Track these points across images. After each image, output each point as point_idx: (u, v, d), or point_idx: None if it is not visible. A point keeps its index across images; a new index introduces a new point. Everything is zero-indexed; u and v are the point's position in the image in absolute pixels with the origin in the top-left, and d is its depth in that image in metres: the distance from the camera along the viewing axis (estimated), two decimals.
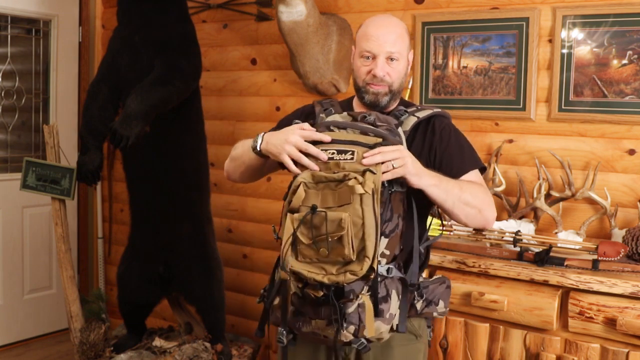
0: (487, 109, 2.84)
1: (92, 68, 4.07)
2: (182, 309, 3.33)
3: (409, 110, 1.77)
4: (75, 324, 3.18)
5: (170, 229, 3.03)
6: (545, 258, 2.26)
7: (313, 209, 1.50)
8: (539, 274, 2.22)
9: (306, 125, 1.66)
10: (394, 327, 1.64)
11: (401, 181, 1.61)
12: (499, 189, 2.64)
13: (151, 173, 2.99)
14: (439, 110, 1.80)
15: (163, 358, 3.02)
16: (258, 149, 1.70)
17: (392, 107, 1.82)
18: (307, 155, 1.61)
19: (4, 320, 3.82)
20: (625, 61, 2.54)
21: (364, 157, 1.54)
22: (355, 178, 1.51)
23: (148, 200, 3.04)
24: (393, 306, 1.62)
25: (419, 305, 1.73)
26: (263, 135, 1.71)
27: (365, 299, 1.56)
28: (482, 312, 2.33)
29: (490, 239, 2.47)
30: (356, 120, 1.69)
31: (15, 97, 3.85)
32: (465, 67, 2.88)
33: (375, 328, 1.58)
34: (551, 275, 2.20)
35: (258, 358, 3.39)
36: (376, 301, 1.57)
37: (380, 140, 1.60)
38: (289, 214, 1.54)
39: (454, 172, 1.73)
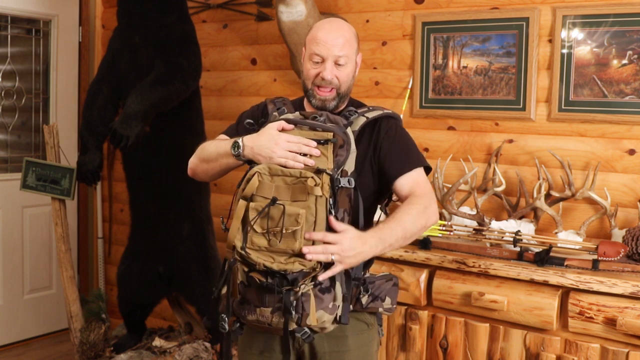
0: (487, 109, 2.84)
1: (92, 68, 4.07)
2: (182, 309, 3.34)
3: (359, 110, 1.82)
4: (75, 324, 3.18)
5: (170, 229, 3.03)
6: (545, 258, 2.26)
7: (273, 200, 1.59)
8: (539, 274, 2.22)
9: (283, 123, 1.72)
10: (338, 319, 1.69)
11: (348, 178, 1.68)
12: (499, 189, 2.64)
13: (151, 173, 2.99)
14: (389, 111, 1.85)
15: (163, 358, 3.03)
16: (241, 155, 1.74)
17: (341, 108, 1.87)
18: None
19: (4, 320, 3.82)
20: (625, 61, 2.54)
21: (303, 248, 1.56)
22: (312, 177, 1.59)
23: (148, 200, 3.04)
24: (337, 297, 1.67)
25: (364, 299, 1.78)
26: (242, 141, 1.74)
27: (309, 288, 1.62)
28: (482, 312, 2.33)
29: (490, 239, 2.47)
30: (307, 119, 1.75)
31: (15, 97, 3.85)
32: (465, 67, 2.88)
33: (318, 317, 1.64)
34: (551, 275, 2.20)
35: None
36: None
37: (330, 135, 1.68)
38: (241, 200, 1.62)
39: (396, 170, 1.77)
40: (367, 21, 3.13)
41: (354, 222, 1.70)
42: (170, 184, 2.99)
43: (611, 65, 2.56)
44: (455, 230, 2.56)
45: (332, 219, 1.60)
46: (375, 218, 1.92)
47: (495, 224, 2.53)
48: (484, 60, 2.83)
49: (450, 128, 2.93)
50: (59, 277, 3.75)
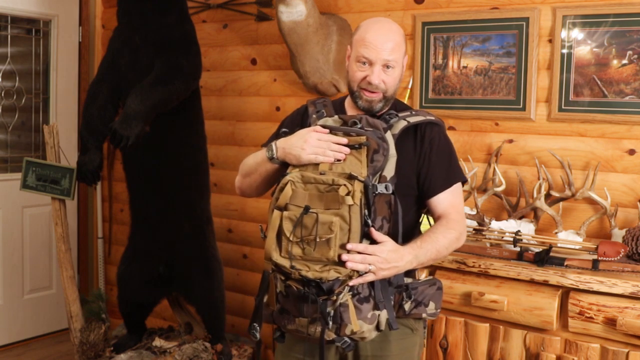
0: (487, 109, 2.84)
1: (92, 68, 4.07)
2: (182, 309, 3.34)
3: (400, 114, 1.80)
4: (75, 324, 3.18)
5: (170, 229, 3.03)
6: (545, 258, 2.26)
7: (306, 209, 1.58)
8: (539, 274, 2.22)
9: (319, 128, 1.71)
10: (381, 327, 1.67)
11: (386, 184, 1.65)
12: (499, 189, 2.64)
13: (151, 173, 2.99)
14: (433, 117, 1.82)
15: (163, 358, 3.03)
16: (275, 157, 1.75)
17: (384, 111, 1.85)
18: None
19: (4, 320, 3.82)
20: (625, 61, 2.54)
21: (343, 255, 1.57)
22: (345, 185, 1.57)
23: (148, 200, 3.04)
24: (377, 307, 1.65)
25: (407, 306, 1.76)
26: (275, 144, 1.75)
27: (347, 298, 1.60)
28: (482, 312, 2.33)
29: (490, 239, 2.47)
30: (346, 124, 1.73)
31: (15, 97, 3.85)
32: (465, 67, 2.88)
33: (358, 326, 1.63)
34: (551, 275, 2.20)
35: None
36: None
37: (364, 139, 1.65)
38: (276, 211, 1.61)
39: (436, 189, 1.79)
40: None
41: (394, 229, 1.68)
42: (170, 183, 2.99)
43: (611, 65, 2.56)
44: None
45: (372, 230, 1.60)
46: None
47: (495, 224, 2.53)
48: (484, 60, 2.83)
49: (450, 128, 2.93)
50: (59, 277, 3.75)
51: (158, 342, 3.15)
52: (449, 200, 1.80)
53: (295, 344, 1.81)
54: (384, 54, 1.76)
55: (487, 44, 2.82)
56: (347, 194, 1.57)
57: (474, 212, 2.61)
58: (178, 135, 2.99)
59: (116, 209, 4.16)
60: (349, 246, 1.56)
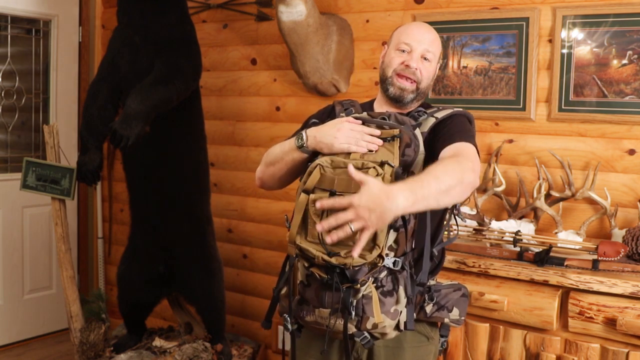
0: (487, 109, 2.84)
1: (92, 68, 4.07)
2: (182, 309, 3.34)
3: (428, 111, 1.78)
4: (75, 324, 3.18)
5: (170, 229, 3.03)
6: (545, 258, 2.26)
7: (332, 193, 1.54)
8: (539, 274, 2.22)
9: (351, 119, 1.70)
10: (401, 326, 1.64)
11: None
12: (499, 189, 2.64)
13: (151, 173, 2.99)
14: (460, 110, 1.80)
15: (163, 358, 3.03)
16: (305, 145, 1.71)
17: (413, 108, 1.84)
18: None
19: (4, 320, 3.82)
20: (625, 61, 2.54)
21: (317, 226, 1.44)
22: (374, 168, 1.54)
23: (148, 200, 3.04)
24: (400, 301, 1.62)
25: (428, 308, 1.73)
26: (305, 133, 1.72)
27: (371, 289, 1.57)
28: (482, 312, 2.33)
29: (490, 239, 2.47)
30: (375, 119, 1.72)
31: (15, 97, 3.85)
32: (465, 67, 2.88)
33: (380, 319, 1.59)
34: (551, 275, 2.20)
35: (258, 358, 3.39)
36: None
37: (397, 131, 1.63)
38: (302, 194, 1.58)
39: (442, 144, 1.66)
40: (367, 21, 3.13)
41: (420, 226, 1.65)
42: (170, 183, 2.99)
43: (611, 65, 2.56)
44: (456, 230, 2.55)
45: (350, 167, 1.44)
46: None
47: (495, 224, 2.53)
48: (484, 60, 2.83)
49: None
50: (59, 277, 3.75)
51: (158, 342, 3.15)
52: (456, 147, 1.62)
53: (311, 344, 1.77)
54: (424, 44, 1.80)
55: (487, 44, 2.82)
56: (377, 176, 1.52)
57: (473, 212, 2.61)
58: (178, 135, 2.99)
59: (116, 209, 4.16)
60: (317, 204, 1.45)
